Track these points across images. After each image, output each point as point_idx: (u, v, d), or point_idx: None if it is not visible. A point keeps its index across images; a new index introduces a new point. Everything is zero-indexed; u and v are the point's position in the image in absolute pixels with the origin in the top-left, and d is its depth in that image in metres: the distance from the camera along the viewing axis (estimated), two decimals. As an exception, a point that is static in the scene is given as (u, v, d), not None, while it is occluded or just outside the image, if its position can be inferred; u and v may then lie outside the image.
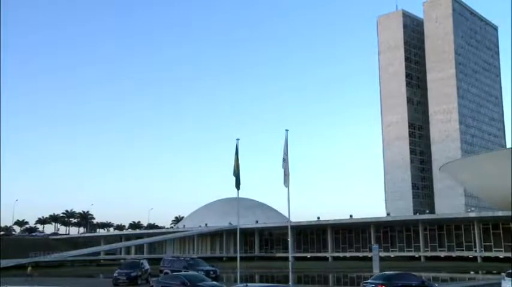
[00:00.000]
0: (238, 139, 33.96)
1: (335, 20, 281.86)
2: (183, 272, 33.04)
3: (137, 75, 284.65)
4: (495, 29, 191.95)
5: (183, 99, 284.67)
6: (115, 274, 40.60)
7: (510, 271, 35.75)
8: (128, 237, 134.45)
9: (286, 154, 33.04)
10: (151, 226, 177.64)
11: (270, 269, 68.73)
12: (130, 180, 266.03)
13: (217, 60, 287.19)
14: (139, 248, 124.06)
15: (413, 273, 34.02)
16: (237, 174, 33.59)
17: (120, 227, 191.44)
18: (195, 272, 33.51)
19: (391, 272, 32.90)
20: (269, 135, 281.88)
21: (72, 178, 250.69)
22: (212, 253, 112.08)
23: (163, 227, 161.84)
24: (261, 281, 51.57)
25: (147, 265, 43.96)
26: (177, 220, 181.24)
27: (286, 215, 33.78)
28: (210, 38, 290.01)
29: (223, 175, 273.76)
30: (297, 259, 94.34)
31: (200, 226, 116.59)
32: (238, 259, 35.22)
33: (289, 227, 37.36)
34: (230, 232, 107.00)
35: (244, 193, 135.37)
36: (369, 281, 30.15)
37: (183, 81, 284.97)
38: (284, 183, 32.94)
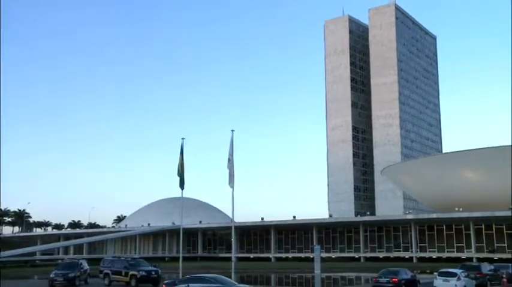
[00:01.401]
0: (183, 139, 33.65)
1: (283, 22, 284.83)
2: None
3: (80, 72, 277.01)
4: (434, 38, 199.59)
5: (128, 97, 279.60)
6: (51, 275, 38.86)
7: (442, 270, 37.27)
8: (67, 237, 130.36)
9: (231, 154, 32.99)
10: (92, 225, 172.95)
11: (213, 269, 68.31)
12: (70, 178, 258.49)
13: (163, 59, 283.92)
14: (78, 248, 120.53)
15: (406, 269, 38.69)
16: (181, 174, 33.23)
17: (58, 227, 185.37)
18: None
19: (394, 268, 38.67)
20: (215, 135, 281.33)
21: (7, 175, 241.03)
22: (154, 253, 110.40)
23: (104, 227, 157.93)
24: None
25: (86, 266, 42.60)
26: (119, 219, 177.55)
27: (230, 215, 33.77)
28: (156, 37, 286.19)
29: (167, 174, 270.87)
30: (240, 259, 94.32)
31: (143, 226, 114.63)
32: (180, 259, 34.86)
33: (232, 227, 37.34)
34: (173, 232, 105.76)
35: (188, 193, 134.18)
36: (380, 277, 35.14)
37: (128, 79, 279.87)
38: (229, 183, 32.88)
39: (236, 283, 27.49)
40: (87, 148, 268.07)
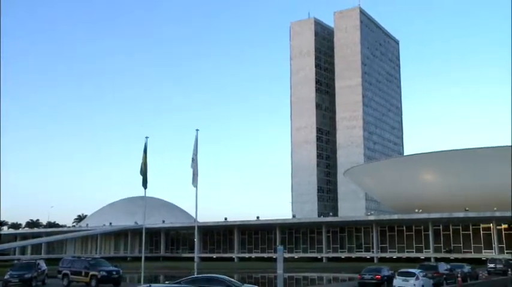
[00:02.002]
0: (147, 137, 33.19)
1: (250, 23, 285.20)
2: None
3: (39, 68, 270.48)
4: (397, 43, 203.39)
5: (91, 95, 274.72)
6: (6, 276, 37.63)
7: (401, 270, 38.08)
8: (25, 236, 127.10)
9: (195, 153, 32.80)
10: (51, 225, 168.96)
11: (175, 269, 67.85)
12: (29, 176, 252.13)
13: (128, 57, 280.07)
14: (36, 248, 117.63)
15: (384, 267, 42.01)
16: (144, 173, 32.79)
17: (15, 226, 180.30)
18: None
19: (376, 266, 43.26)
20: (179, 134, 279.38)
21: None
22: (116, 252, 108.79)
23: (64, 226, 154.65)
24: (165, 282, 50.75)
25: (44, 266, 41.47)
26: (80, 218, 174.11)
27: (194, 215, 33.55)
28: (121, 35, 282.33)
29: (130, 173, 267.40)
30: (203, 259, 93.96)
31: (104, 225, 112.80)
32: (143, 259, 34.41)
33: (196, 227, 37.10)
34: (135, 232, 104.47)
35: (151, 192, 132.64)
36: (365, 274, 38.36)
37: (93, 77, 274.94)
38: (192, 183, 32.68)
39: (241, 283, 27.83)
40: (46, 145, 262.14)
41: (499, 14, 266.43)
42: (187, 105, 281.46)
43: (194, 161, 32.57)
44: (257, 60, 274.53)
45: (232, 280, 27.43)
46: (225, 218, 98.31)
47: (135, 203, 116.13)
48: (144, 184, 32.81)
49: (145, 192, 33.11)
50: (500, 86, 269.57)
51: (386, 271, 39.56)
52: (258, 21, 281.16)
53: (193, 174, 32.48)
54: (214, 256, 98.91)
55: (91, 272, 37.01)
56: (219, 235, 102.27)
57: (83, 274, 37.57)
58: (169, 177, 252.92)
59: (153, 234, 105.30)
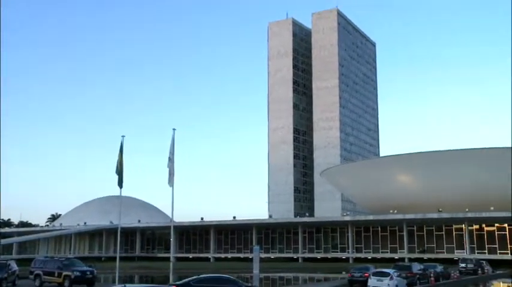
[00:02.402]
0: (123, 136, 32.86)
1: (228, 23, 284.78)
2: None
3: (15, 66, 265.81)
4: (373, 45, 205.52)
5: (67, 93, 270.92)
6: (-26, 278, 36.62)
7: (376, 270, 38.56)
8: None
9: (172, 153, 32.61)
10: (23, 224, 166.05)
11: (151, 269, 67.41)
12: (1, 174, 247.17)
13: (105, 57, 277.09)
14: (7, 248, 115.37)
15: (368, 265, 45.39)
16: (120, 172, 32.46)
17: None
18: None
19: (365, 265, 46.87)
20: (156, 134, 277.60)
21: None
22: (90, 252, 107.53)
23: (37, 226, 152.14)
24: (140, 282, 50.32)
25: (15, 266, 40.57)
26: (54, 218, 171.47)
27: (170, 215, 33.37)
28: (98, 36, 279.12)
29: (105, 172, 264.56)
30: (179, 259, 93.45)
31: (79, 225, 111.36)
32: (117, 258, 34.02)
33: (172, 227, 36.84)
34: (110, 231, 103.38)
35: (127, 192, 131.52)
36: (355, 272, 40.79)
37: (68, 74, 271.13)
38: (168, 182, 32.49)
39: (245, 283, 27.67)
40: (18, 143, 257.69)
41: (475, 16, 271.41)
42: (164, 105, 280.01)
43: (171, 160, 32.39)
44: (235, 61, 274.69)
45: (239, 280, 27.71)
46: (202, 218, 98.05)
47: (110, 203, 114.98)
48: (120, 183, 32.48)
49: (120, 191, 32.80)
50: (475, 88, 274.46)
51: (373, 269, 41.19)
52: (236, 21, 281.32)
53: (170, 173, 32.29)
54: (191, 256, 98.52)
55: (64, 273, 36.43)
56: (195, 235, 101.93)
57: (56, 274, 36.96)
58: (145, 176, 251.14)
59: (129, 234, 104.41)
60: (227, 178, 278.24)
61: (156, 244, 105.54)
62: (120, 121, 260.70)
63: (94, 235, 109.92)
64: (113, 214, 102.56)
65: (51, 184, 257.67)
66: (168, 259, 70.49)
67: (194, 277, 26.53)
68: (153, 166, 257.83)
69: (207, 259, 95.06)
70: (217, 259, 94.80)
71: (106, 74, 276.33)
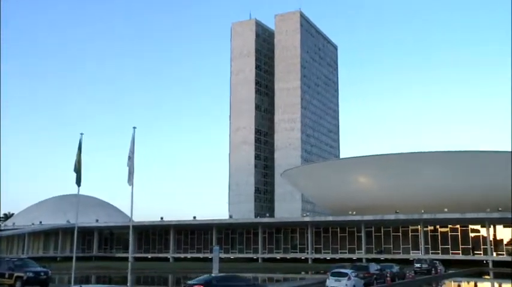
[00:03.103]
0: (82, 134, 32.14)
1: (191, 23, 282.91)
2: None
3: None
4: (335, 48, 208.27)
5: (23, 90, 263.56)
6: None
7: (334, 270, 38.98)
8: None
9: (132, 151, 32.07)
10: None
11: (108, 269, 66.29)
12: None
13: (65, 53, 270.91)
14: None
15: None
16: (78, 170, 31.74)
17: None
18: None
19: (341, 264, 48.73)
20: (116, 132, 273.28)
21: None
22: (45, 253, 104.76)
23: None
24: (97, 283, 49.41)
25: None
26: (6, 217, 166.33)
27: (129, 214, 32.84)
28: (59, 30, 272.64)
29: (63, 171, 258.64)
30: (137, 259, 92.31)
31: (33, 224, 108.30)
32: (74, 259, 33.23)
33: (130, 226, 36.20)
34: (67, 231, 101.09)
35: (85, 191, 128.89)
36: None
37: (25, 72, 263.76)
38: (128, 181, 31.95)
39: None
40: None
41: (434, 19, 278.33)
42: (124, 103, 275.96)
43: (131, 159, 31.85)
44: (198, 60, 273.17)
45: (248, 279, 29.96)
46: (161, 218, 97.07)
47: (67, 201, 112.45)
48: (78, 181, 31.78)
49: (78, 190, 32.08)
50: (435, 90, 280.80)
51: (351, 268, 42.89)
52: (199, 20, 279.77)
53: (129, 172, 31.75)
54: (149, 256, 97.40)
55: (16, 274, 35.21)
56: (155, 235, 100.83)
57: (7, 275, 35.66)
58: (104, 175, 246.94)
59: (86, 233, 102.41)
60: (188, 178, 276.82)
61: (114, 244, 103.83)
62: (79, 119, 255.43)
63: (49, 235, 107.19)
64: (70, 213, 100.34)
65: (3, 182, 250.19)
66: (126, 259, 69.59)
67: (213, 275, 29.07)
68: (112, 165, 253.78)
69: (166, 259, 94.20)
70: (176, 259, 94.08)
71: (63, 71, 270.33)
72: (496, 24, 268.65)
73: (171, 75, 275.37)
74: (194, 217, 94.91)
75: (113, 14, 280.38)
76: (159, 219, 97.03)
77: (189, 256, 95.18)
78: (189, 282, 28.21)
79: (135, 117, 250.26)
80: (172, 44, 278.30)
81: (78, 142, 32.06)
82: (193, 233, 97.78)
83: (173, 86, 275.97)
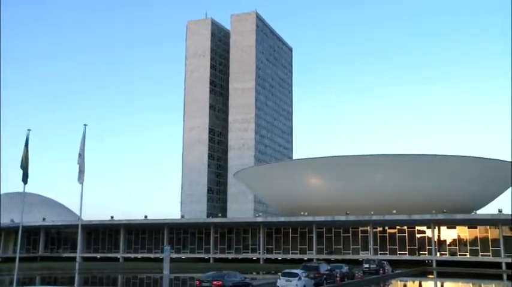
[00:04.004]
0: (29, 130, 31.13)
1: (146, 20, 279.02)
2: None
3: None
4: (290, 50, 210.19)
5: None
6: None
7: (285, 271, 39.35)
8: None
9: (82, 149, 31.36)
10: None
11: (54, 270, 64.43)
12: None
13: (14, 50, 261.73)
14: None
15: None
16: (25, 167, 30.72)
17: None
18: None
19: (314, 264, 47.70)
20: (66, 129, 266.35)
21: None
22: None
23: None
24: (42, 284, 47.95)
25: None
26: None
27: (78, 213, 32.06)
28: (11, 28, 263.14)
29: (8, 167, 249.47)
30: (85, 259, 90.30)
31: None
32: (17, 259, 32.17)
33: (79, 226, 35.50)
34: (10, 230, 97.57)
35: (32, 188, 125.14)
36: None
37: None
38: (78, 180, 31.22)
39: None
40: None
41: (387, 21, 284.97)
42: (75, 100, 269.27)
43: (81, 157, 31.13)
44: (153, 58, 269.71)
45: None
46: (112, 217, 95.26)
47: (11, 199, 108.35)
48: (25, 179, 30.73)
49: (24, 187, 31.03)
50: (389, 92, 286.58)
51: (325, 267, 44.99)
52: (154, 18, 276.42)
53: (80, 170, 31.04)
54: (98, 255, 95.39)
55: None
56: (104, 234, 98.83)
57: None
58: (53, 173, 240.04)
59: (32, 233, 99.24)
60: (140, 177, 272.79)
61: (61, 244, 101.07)
62: (27, 115, 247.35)
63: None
64: (14, 211, 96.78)
65: None
66: (74, 259, 67.96)
67: (223, 272, 34.71)
68: (61, 162, 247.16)
69: (116, 259, 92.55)
70: (126, 259, 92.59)
71: (11, 67, 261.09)
72: (452, 24, 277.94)
73: (125, 73, 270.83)
74: (145, 217, 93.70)
75: (66, 9, 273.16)
76: (109, 218, 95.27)
77: (139, 256, 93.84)
78: (204, 281, 32.59)
79: (86, 115, 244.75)
80: (127, 42, 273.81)
81: (25, 139, 31.07)
82: (144, 233, 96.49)
83: (126, 84, 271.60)
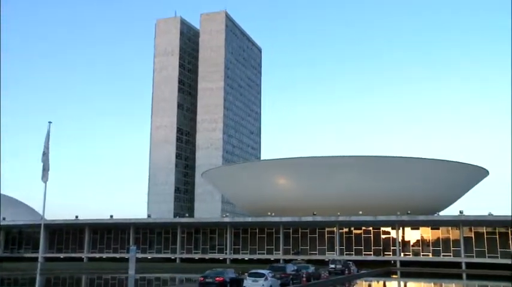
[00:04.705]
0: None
1: (115, 18, 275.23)
2: None
3: None
4: (260, 50, 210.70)
5: None
6: None
7: (252, 271, 39.44)
8: None
9: (47, 147, 30.68)
10: None
11: (14, 271, 62.77)
12: None
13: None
14: None
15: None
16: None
17: None
18: None
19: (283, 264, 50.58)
20: (28, 126, 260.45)
21: None
22: None
23: None
24: (1, 286, 46.71)
25: None
26: None
27: (41, 212, 31.37)
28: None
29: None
30: (48, 259, 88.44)
31: None
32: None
33: (42, 225, 34.64)
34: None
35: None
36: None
37: None
38: (42, 178, 30.54)
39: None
40: None
41: (357, 22, 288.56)
42: (40, 98, 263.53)
43: (45, 155, 30.44)
44: (121, 56, 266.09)
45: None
46: (76, 216, 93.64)
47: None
48: (-16, 177, 29.95)
49: (-15, 186, 30.24)
50: (357, 93, 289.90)
51: (291, 267, 45.56)
52: (123, 15, 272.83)
53: (44, 169, 30.36)
54: (62, 256, 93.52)
55: None
56: (69, 234, 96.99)
57: None
58: (15, 171, 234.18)
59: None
60: (106, 176, 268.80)
61: (23, 244, 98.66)
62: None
63: None
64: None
65: None
66: (36, 259, 66.34)
67: (219, 270, 40.60)
68: (23, 160, 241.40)
69: (80, 259, 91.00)
70: (91, 259, 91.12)
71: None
72: (415, 26, 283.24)
73: (92, 70, 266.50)
74: (111, 216, 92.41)
75: (36, 7, 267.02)
76: (74, 217, 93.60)
77: (104, 256, 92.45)
78: (207, 277, 37.38)
79: (51, 113, 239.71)
80: (95, 38, 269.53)
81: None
82: (109, 233, 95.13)
83: (93, 81, 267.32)
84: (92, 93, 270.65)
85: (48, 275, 57.75)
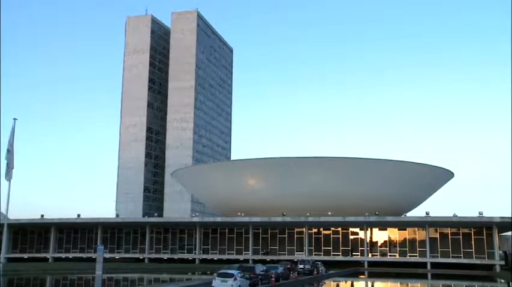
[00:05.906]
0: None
1: (85, 14, 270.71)
2: None
3: None
4: (231, 50, 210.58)
5: None
6: None
7: (220, 271, 39.37)
8: None
9: (11, 144, 30.05)
10: None
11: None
12: None
13: None
14: None
15: None
16: None
17: None
18: None
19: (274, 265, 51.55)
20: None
21: None
22: None
23: None
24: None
25: None
26: None
27: (4, 211, 30.63)
28: None
29: None
30: (11, 260, 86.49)
31: None
32: None
33: (5, 225, 33.87)
34: None
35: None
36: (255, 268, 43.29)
37: None
38: (5, 176, 29.91)
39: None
40: None
41: (328, 22, 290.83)
42: (4, 94, 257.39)
43: (10, 152, 29.82)
44: (90, 53, 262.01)
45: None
46: (42, 216, 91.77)
47: None
48: None
49: None
50: (329, 93, 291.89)
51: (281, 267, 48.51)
52: (93, 12, 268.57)
53: (8, 166, 29.73)
54: (26, 256, 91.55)
55: None
56: (34, 234, 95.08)
57: None
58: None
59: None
60: (74, 175, 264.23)
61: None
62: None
63: None
64: None
65: None
66: (-1, 260, 64.79)
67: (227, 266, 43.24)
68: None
69: (46, 260, 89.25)
70: (57, 259, 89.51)
71: None
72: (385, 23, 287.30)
73: (60, 67, 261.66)
74: (78, 215, 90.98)
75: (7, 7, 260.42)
76: (39, 217, 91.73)
77: (71, 256, 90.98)
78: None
79: (15, 110, 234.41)
80: (63, 35, 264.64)
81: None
82: (76, 232, 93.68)
83: (62, 78, 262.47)
84: (59, 90, 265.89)
85: (10, 276, 56.38)
